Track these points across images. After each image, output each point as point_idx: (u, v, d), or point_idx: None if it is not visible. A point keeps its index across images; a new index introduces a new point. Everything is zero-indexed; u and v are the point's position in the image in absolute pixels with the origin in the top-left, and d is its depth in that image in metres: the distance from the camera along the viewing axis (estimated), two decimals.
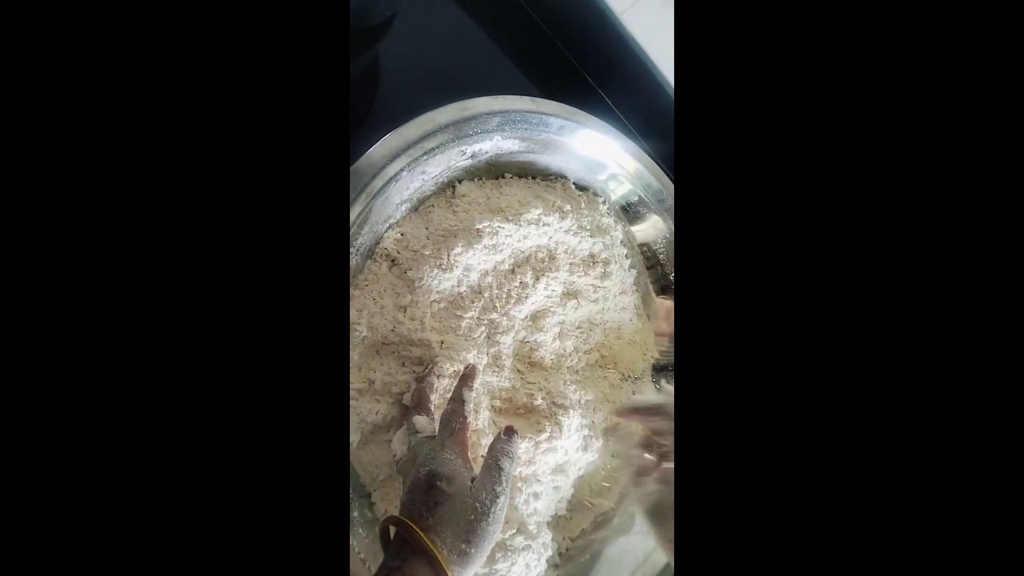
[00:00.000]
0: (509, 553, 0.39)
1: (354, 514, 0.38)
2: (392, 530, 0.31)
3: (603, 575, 0.45)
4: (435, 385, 0.39)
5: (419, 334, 0.41)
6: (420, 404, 0.38)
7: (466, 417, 0.36)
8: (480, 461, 0.35)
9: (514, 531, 0.39)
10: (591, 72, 0.59)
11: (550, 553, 0.43)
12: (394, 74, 0.50)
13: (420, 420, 0.37)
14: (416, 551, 0.29)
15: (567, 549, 0.46)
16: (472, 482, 0.33)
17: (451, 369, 0.41)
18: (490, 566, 0.38)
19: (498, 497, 0.33)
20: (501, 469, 0.34)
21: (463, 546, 0.31)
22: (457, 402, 0.37)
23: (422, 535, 0.30)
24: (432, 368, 0.40)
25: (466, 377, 0.39)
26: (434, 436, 0.36)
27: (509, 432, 0.36)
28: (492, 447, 0.35)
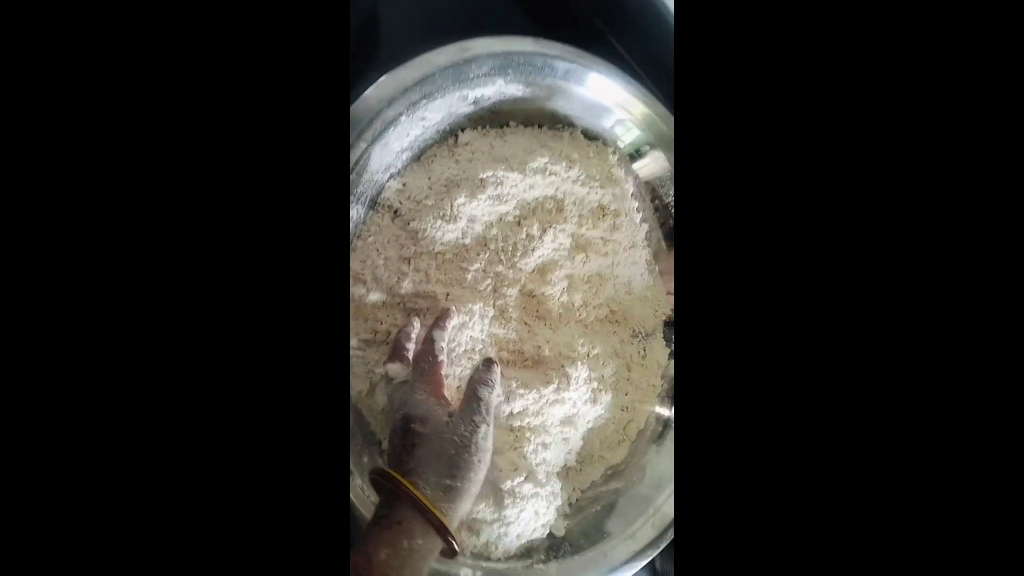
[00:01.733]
0: (518, 500, 0.39)
1: (364, 459, 0.38)
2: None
3: (613, 526, 0.45)
4: (412, 334, 0.39)
5: (424, 286, 0.41)
6: (396, 352, 0.38)
7: (437, 356, 0.36)
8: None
9: (523, 478, 0.39)
10: (600, 14, 0.56)
11: (559, 502, 0.43)
12: (395, 19, 0.48)
13: (393, 367, 0.37)
14: (401, 497, 0.29)
15: (577, 500, 0.46)
16: (450, 417, 0.33)
17: (456, 320, 0.40)
18: (499, 511, 0.38)
19: (478, 427, 0.32)
20: (480, 399, 0.34)
21: (447, 482, 0.31)
22: (428, 343, 0.36)
23: (401, 480, 0.30)
24: (412, 321, 0.40)
25: (439, 319, 0.38)
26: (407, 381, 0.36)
27: (488, 363, 0.36)
28: (471, 379, 0.35)
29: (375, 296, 0.40)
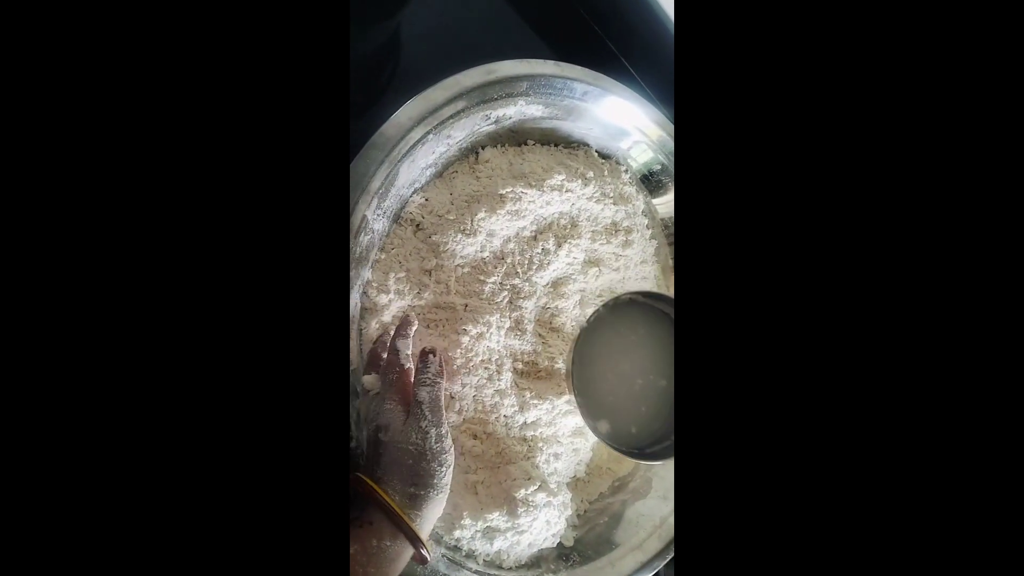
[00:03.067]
0: (531, 509, 0.40)
1: None
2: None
3: (620, 536, 0.46)
4: (388, 344, 0.39)
5: (444, 297, 0.42)
6: (371, 364, 0.38)
7: (403, 365, 0.36)
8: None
9: (536, 487, 0.40)
10: (613, 38, 0.58)
11: (569, 512, 0.44)
12: (415, 40, 0.50)
13: (368, 379, 0.37)
14: (371, 501, 0.31)
15: (585, 511, 0.47)
16: (403, 425, 0.33)
17: (474, 331, 0.41)
18: (512, 520, 0.39)
19: (427, 432, 0.32)
20: (420, 402, 0.33)
21: (411, 489, 0.31)
22: (392, 353, 0.36)
23: (374, 486, 0.31)
24: (386, 331, 0.40)
25: (400, 326, 0.38)
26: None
27: (424, 357, 0.35)
28: (413, 382, 0.34)
29: (396, 306, 0.41)
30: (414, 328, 0.39)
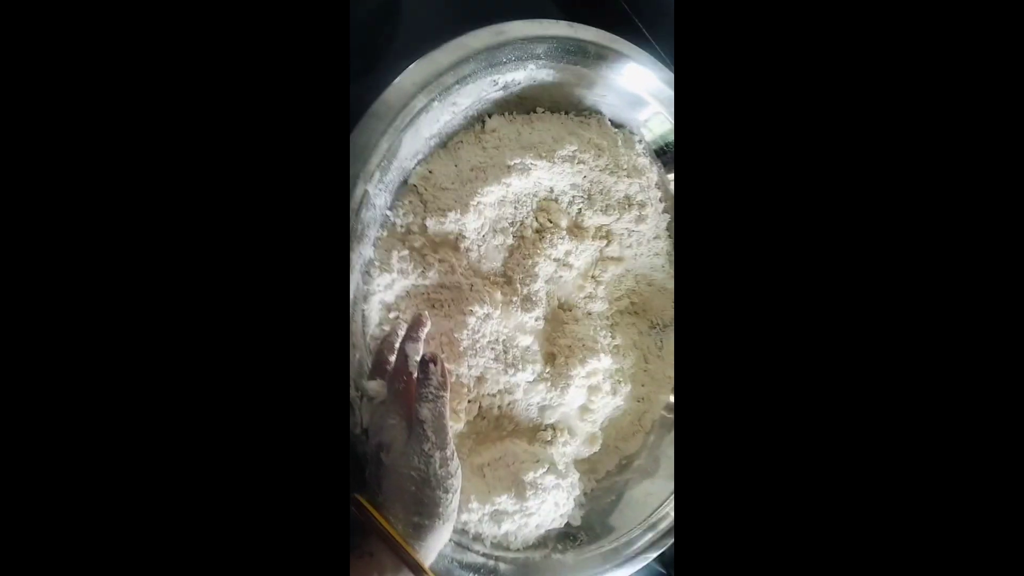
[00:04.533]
0: (539, 491, 0.39)
1: None
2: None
3: (627, 515, 0.46)
4: (396, 345, 0.35)
5: (449, 277, 0.40)
6: (377, 367, 0.35)
7: (410, 373, 0.32)
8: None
9: (544, 469, 0.39)
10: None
11: (577, 492, 0.44)
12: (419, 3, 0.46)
13: (372, 386, 0.34)
14: (372, 530, 0.28)
15: (592, 490, 0.47)
16: (405, 446, 0.30)
17: (481, 311, 0.40)
18: (520, 503, 0.39)
19: (431, 457, 0.29)
20: (422, 421, 0.30)
21: (415, 519, 0.29)
22: (401, 357, 0.33)
23: (373, 512, 0.28)
24: (395, 329, 0.37)
25: (411, 328, 0.34)
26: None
27: (424, 367, 0.31)
28: (417, 395, 0.31)
29: (400, 286, 0.40)
30: (426, 329, 0.35)
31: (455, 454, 0.30)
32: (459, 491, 0.30)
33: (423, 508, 0.29)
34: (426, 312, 0.37)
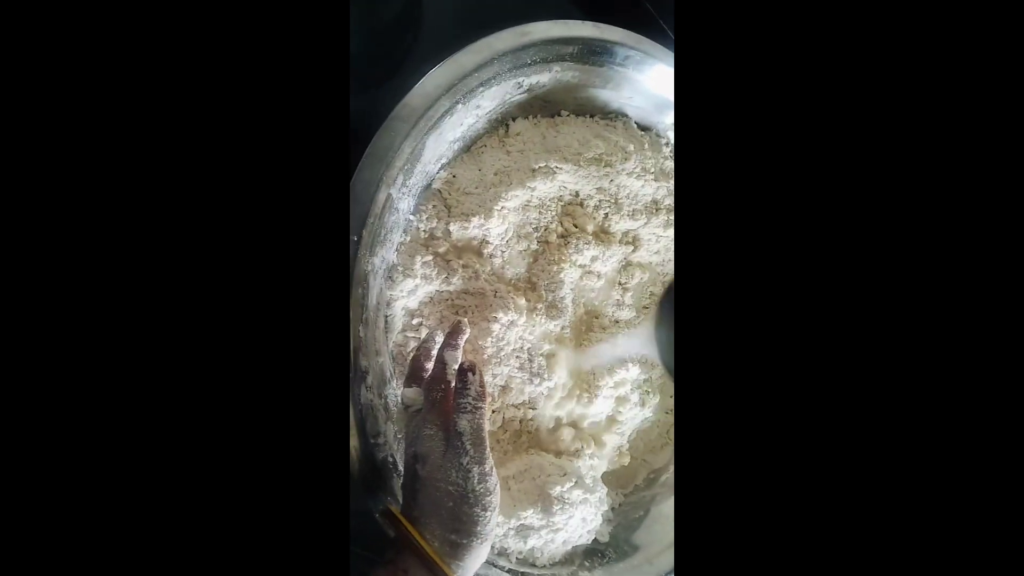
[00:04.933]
0: (567, 506, 0.37)
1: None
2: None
3: (655, 531, 0.44)
4: (433, 352, 0.34)
5: (473, 283, 0.39)
6: (414, 375, 0.34)
7: (448, 382, 0.31)
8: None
9: (572, 484, 0.38)
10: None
11: (605, 507, 0.42)
12: (437, 1, 0.46)
13: (408, 393, 0.33)
14: (407, 546, 0.27)
15: (620, 504, 0.45)
16: (443, 459, 0.28)
17: (505, 318, 0.39)
18: (547, 518, 0.37)
19: (469, 471, 0.28)
20: (461, 434, 0.28)
21: (452, 536, 0.27)
22: (439, 365, 0.32)
23: (410, 529, 0.27)
24: (431, 335, 0.36)
25: (450, 335, 0.33)
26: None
27: (463, 376, 0.29)
28: (455, 405, 0.29)
29: (423, 291, 0.39)
30: (465, 337, 0.34)
31: (494, 469, 0.29)
32: (497, 509, 0.29)
33: (460, 526, 0.27)
34: (465, 320, 0.36)
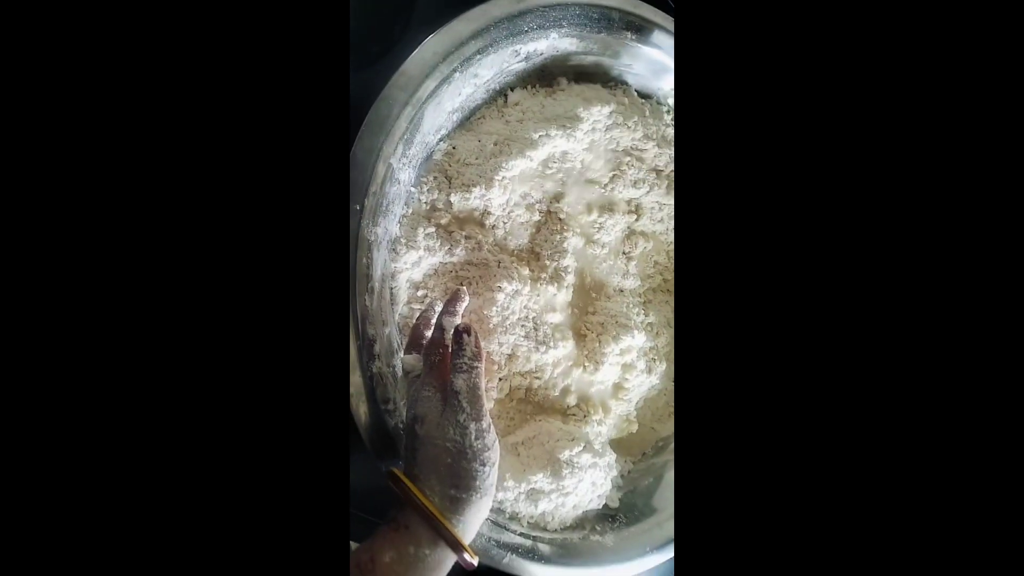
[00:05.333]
0: (576, 470, 0.38)
1: None
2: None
3: (666, 497, 0.45)
4: (432, 320, 0.35)
5: (476, 253, 0.40)
6: (413, 342, 0.34)
7: (447, 346, 0.31)
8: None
9: (581, 448, 0.38)
10: None
11: (615, 473, 0.42)
12: None
13: (407, 360, 0.33)
14: (407, 503, 0.28)
15: (628, 472, 0.45)
16: (440, 417, 0.29)
17: (509, 288, 0.39)
18: (557, 482, 0.38)
19: (466, 428, 0.28)
20: (457, 392, 0.29)
21: (452, 492, 0.28)
22: (437, 331, 0.32)
23: (410, 486, 0.28)
24: (432, 305, 0.37)
25: (449, 302, 0.34)
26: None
27: (458, 338, 0.30)
28: (450, 367, 0.30)
29: (427, 263, 0.39)
30: (464, 304, 0.34)
31: (491, 426, 0.30)
32: (496, 464, 0.30)
33: (459, 481, 0.28)
34: (464, 287, 0.36)
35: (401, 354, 0.37)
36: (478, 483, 0.28)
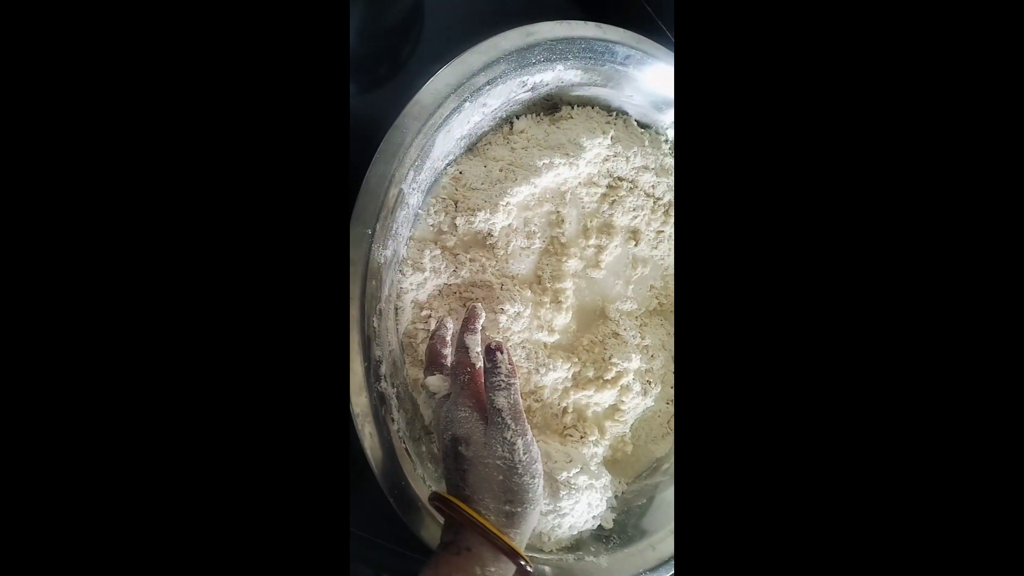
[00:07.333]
0: (573, 491, 0.39)
1: (422, 449, 0.38)
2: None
3: (658, 518, 0.45)
4: (447, 337, 0.36)
5: (480, 275, 0.41)
6: (433, 363, 0.35)
7: (473, 365, 0.32)
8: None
9: (578, 470, 0.39)
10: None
11: (610, 494, 0.43)
12: (439, 2, 0.47)
13: (432, 381, 0.34)
14: (465, 525, 0.28)
15: (623, 493, 0.46)
16: (485, 437, 0.30)
17: (511, 310, 0.40)
18: (554, 503, 0.38)
19: (513, 444, 0.29)
20: (499, 409, 0.30)
21: (507, 507, 0.29)
22: (461, 350, 0.33)
23: (464, 507, 0.28)
24: (443, 322, 0.37)
25: (467, 320, 0.34)
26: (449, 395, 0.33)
27: (491, 356, 0.31)
28: (486, 384, 0.31)
29: (432, 284, 0.40)
30: (481, 320, 0.35)
31: (534, 440, 0.30)
32: (543, 474, 0.30)
33: (513, 496, 0.29)
34: (479, 303, 0.37)
35: (404, 372, 0.38)
36: (531, 495, 0.29)
